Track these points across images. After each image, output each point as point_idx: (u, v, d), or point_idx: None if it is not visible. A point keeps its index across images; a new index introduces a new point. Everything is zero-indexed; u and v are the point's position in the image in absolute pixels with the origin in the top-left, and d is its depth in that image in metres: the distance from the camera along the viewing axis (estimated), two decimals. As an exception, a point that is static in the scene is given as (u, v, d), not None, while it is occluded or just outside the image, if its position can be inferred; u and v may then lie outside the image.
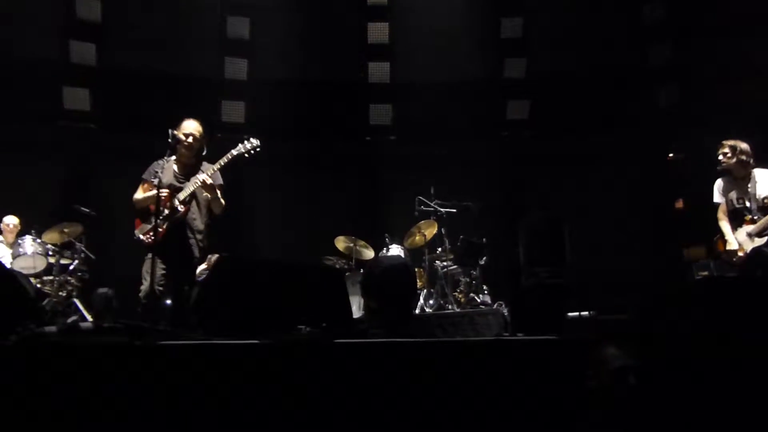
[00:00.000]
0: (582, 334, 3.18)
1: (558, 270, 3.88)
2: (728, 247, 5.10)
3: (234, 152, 4.80)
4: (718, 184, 5.36)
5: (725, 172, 5.28)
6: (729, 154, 5.16)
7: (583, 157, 8.65)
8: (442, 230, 7.31)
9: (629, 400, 2.34)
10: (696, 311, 3.14)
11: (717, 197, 5.35)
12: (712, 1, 8.26)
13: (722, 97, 7.91)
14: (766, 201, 5.02)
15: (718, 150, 5.25)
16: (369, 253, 7.56)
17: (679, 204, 8.09)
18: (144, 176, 4.86)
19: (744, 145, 5.18)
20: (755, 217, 5.03)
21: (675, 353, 2.82)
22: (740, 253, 5.03)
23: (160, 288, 4.63)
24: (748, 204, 5.09)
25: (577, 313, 4.25)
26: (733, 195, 5.21)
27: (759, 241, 4.95)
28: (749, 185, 5.10)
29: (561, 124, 8.76)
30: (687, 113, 8.24)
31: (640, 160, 8.34)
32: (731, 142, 5.21)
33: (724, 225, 5.22)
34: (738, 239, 5.08)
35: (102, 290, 6.91)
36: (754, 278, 5.05)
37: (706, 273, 6.64)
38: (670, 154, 5.80)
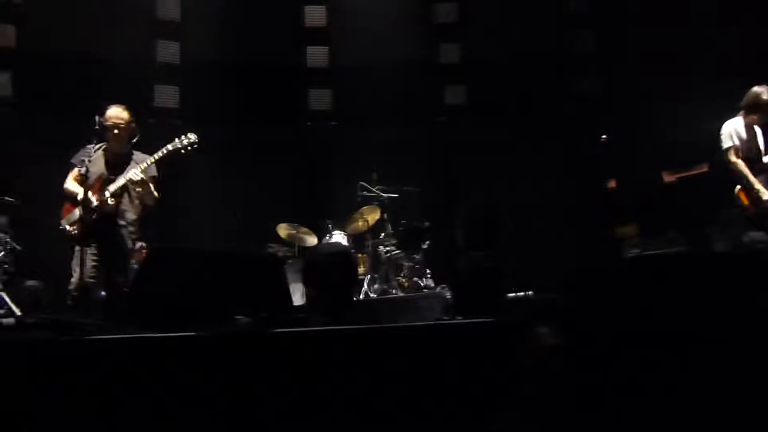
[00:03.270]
0: (518, 315, 3.26)
1: (493, 253, 3.96)
2: (765, 197, 4.73)
3: (170, 147, 4.66)
4: (733, 127, 4.98)
5: (745, 118, 4.97)
6: None
7: (519, 141, 8.82)
8: (385, 215, 7.33)
9: (561, 377, 2.42)
10: (627, 289, 3.27)
11: (735, 140, 4.93)
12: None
13: (648, 83, 8.21)
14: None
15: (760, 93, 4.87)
16: (312, 240, 7.50)
17: (612, 184, 8.39)
18: (73, 160, 4.64)
19: None
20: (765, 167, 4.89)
21: (604, 331, 2.92)
22: None
23: (92, 280, 4.47)
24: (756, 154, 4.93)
25: (514, 294, 4.37)
26: (746, 143, 4.95)
27: None
28: (757, 137, 4.97)
29: (497, 109, 8.89)
30: (614, 99, 8.50)
31: (573, 144, 8.59)
32: None
33: (747, 171, 4.83)
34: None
35: (30, 283, 6.59)
36: (683, 254, 5.27)
37: (637, 251, 6.92)
38: (603, 136, 5.90)
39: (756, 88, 4.96)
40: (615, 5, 8.72)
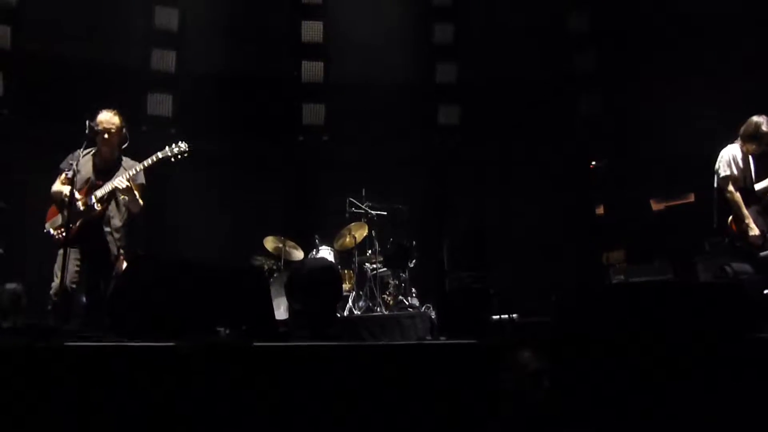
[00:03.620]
0: (501, 338, 3.25)
1: (480, 275, 3.95)
2: (751, 233, 4.74)
3: (160, 155, 4.63)
4: (732, 154, 4.96)
5: (742, 147, 4.98)
6: None
7: (511, 162, 8.86)
8: (373, 232, 7.31)
9: (544, 402, 2.40)
10: (611, 314, 3.27)
11: (733, 168, 4.91)
12: (635, 12, 8.65)
13: (644, 105, 8.30)
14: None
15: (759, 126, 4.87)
16: (298, 254, 7.46)
17: (600, 210, 8.43)
18: (61, 165, 4.60)
19: None
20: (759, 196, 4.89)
21: (591, 355, 2.92)
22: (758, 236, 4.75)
23: (74, 285, 4.42)
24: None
25: (499, 316, 4.36)
26: (742, 172, 4.93)
27: None
28: (751, 166, 4.97)
29: (490, 129, 8.93)
30: (609, 121, 8.56)
31: (564, 167, 8.63)
32: None
33: (741, 203, 4.82)
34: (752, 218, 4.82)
35: (10, 286, 6.48)
36: (667, 282, 5.28)
37: (621, 277, 6.92)
38: (593, 162, 5.91)
39: (756, 118, 4.97)
40: (615, 25, 8.79)
